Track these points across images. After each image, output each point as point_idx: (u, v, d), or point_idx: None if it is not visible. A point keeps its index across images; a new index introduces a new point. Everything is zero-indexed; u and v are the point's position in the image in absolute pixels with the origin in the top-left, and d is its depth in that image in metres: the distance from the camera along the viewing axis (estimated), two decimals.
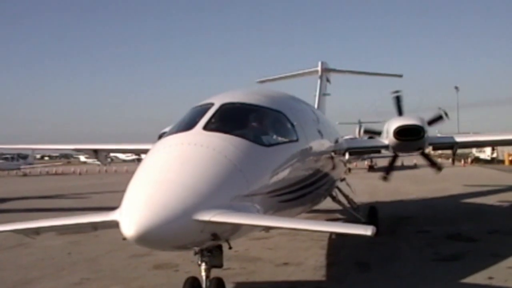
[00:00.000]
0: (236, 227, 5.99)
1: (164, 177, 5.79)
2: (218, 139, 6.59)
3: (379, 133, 15.35)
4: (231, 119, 7.47)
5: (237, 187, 6.06)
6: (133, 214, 5.36)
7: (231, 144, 6.54)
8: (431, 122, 14.76)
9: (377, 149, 16.47)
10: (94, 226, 6.96)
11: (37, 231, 7.19)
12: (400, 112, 14.66)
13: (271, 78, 23.53)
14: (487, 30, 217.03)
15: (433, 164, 16.15)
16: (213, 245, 6.25)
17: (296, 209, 8.67)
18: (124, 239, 5.44)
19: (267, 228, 9.22)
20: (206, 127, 6.95)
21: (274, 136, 7.82)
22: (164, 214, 5.28)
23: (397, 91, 15.10)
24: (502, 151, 61.55)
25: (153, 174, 5.96)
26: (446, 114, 15.15)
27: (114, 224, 5.71)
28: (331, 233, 11.55)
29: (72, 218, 6.99)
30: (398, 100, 14.80)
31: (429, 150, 17.68)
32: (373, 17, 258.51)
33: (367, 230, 5.27)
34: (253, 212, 6.19)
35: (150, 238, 5.30)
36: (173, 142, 6.67)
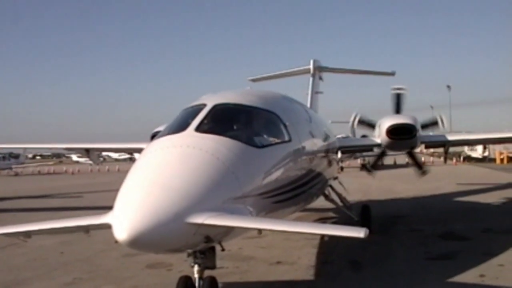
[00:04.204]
0: (229, 230, 5.99)
1: (156, 180, 5.78)
2: (210, 141, 6.58)
3: (373, 126, 14.86)
4: (223, 120, 7.47)
5: (229, 189, 6.06)
6: (125, 218, 5.34)
7: (224, 146, 6.54)
8: (426, 126, 14.53)
9: (369, 148, 16.42)
10: (86, 228, 6.87)
11: (28, 234, 7.12)
12: (397, 110, 14.25)
13: (263, 76, 23.44)
14: (479, 30, 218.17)
15: (418, 165, 15.92)
16: (206, 247, 6.25)
17: (289, 209, 8.68)
18: (116, 242, 5.43)
19: (259, 230, 9.25)
20: (198, 129, 6.94)
21: (267, 137, 7.81)
22: (156, 218, 5.27)
23: (399, 88, 14.61)
24: (493, 150, 61.92)
25: (145, 177, 5.94)
26: (442, 122, 14.65)
27: (107, 227, 5.70)
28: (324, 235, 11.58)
29: (64, 221, 6.88)
30: (398, 98, 14.35)
31: (421, 148, 17.62)
32: (365, 15, 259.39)
33: (360, 232, 5.28)
34: (245, 215, 6.19)
35: (142, 242, 5.30)
36: (165, 145, 6.64)
